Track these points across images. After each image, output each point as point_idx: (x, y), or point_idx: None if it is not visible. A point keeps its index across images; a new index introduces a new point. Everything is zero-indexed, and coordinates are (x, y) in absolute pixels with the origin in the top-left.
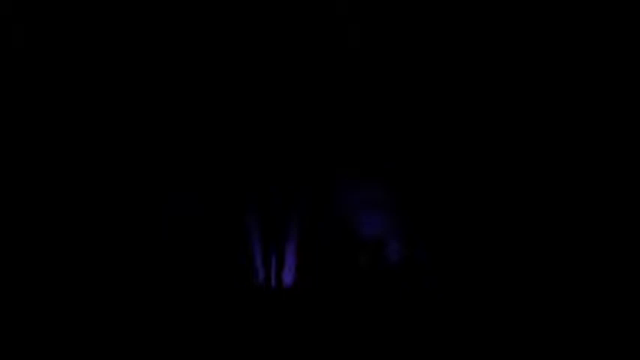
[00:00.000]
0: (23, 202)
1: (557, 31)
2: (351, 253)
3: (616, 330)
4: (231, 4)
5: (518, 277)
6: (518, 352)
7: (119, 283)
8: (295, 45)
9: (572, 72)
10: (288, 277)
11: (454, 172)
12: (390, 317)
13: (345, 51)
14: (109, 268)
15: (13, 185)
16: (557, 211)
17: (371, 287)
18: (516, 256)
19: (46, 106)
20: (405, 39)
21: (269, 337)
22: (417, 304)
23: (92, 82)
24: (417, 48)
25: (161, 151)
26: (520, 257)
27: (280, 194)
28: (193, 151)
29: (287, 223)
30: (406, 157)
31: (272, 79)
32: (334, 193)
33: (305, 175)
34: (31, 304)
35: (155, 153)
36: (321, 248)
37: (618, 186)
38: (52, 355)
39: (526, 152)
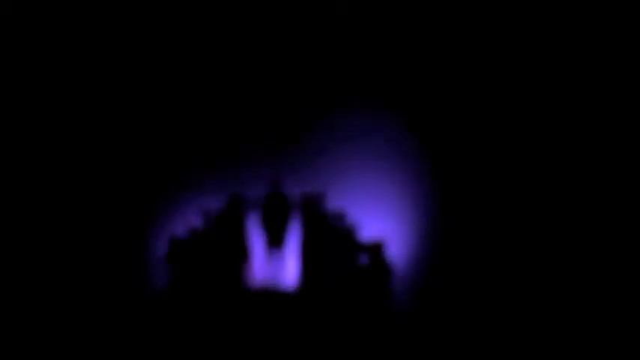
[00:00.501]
0: (22, 201)
1: (555, 27)
2: (351, 253)
3: (616, 330)
4: (227, 2)
5: (518, 278)
6: (519, 353)
7: (118, 283)
8: (295, 45)
9: (571, 70)
10: (288, 278)
11: (454, 172)
12: (389, 317)
13: (344, 50)
14: (108, 268)
15: (12, 185)
16: (558, 210)
17: (371, 287)
18: (517, 256)
19: (45, 106)
20: (397, 14)
21: (269, 338)
22: (416, 303)
23: (92, 83)
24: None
25: (161, 151)
26: (520, 258)
27: (280, 194)
28: (193, 151)
29: (287, 223)
30: (406, 152)
31: (271, 78)
32: (334, 193)
33: (305, 174)
34: (30, 304)
35: (155, 153)
36: (321, 249)
37: (618, 186)
38: (52, 355)
39: (526, 151)
